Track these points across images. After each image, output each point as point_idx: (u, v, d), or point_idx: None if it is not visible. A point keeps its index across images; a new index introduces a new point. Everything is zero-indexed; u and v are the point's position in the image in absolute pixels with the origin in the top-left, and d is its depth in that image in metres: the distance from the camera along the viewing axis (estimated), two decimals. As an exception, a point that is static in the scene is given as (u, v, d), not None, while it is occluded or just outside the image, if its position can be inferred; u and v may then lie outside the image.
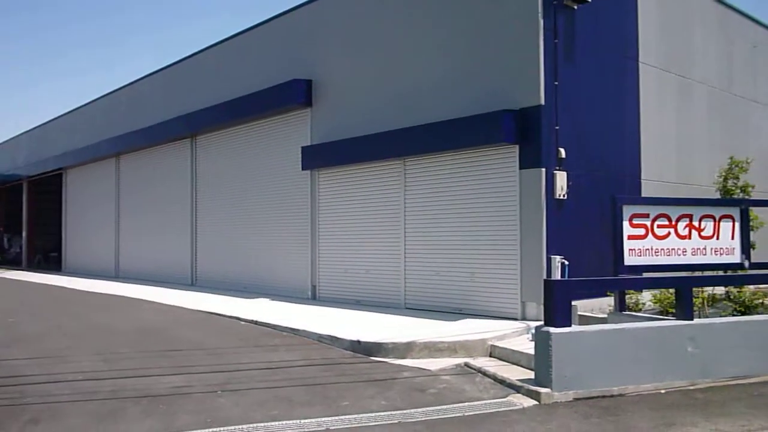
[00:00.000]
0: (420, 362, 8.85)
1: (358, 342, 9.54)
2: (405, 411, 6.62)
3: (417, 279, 12.97)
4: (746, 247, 9.92)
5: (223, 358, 9.14)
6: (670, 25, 13.96)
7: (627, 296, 9.74)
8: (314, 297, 15.27)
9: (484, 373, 8.25)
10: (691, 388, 7.65)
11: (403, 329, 10.39)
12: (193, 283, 19.81)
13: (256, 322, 12.01)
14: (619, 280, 9.00)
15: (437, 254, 12.58)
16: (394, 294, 13.38)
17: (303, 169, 15.43)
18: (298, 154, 15.49)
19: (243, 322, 12.28)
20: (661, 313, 9.48)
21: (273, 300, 15.18)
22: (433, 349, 9.19)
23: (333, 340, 10.00)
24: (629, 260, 9.06)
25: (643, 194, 12.62)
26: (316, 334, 10.44)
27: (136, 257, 23.18)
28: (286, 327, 11.20)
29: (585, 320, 10.21)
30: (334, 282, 14.86)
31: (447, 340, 9.34)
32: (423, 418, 6.41)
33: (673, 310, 8.84)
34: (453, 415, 6.53)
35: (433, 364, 8.76)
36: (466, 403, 6.92)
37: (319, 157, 15.07)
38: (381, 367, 8.66)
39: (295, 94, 15.39)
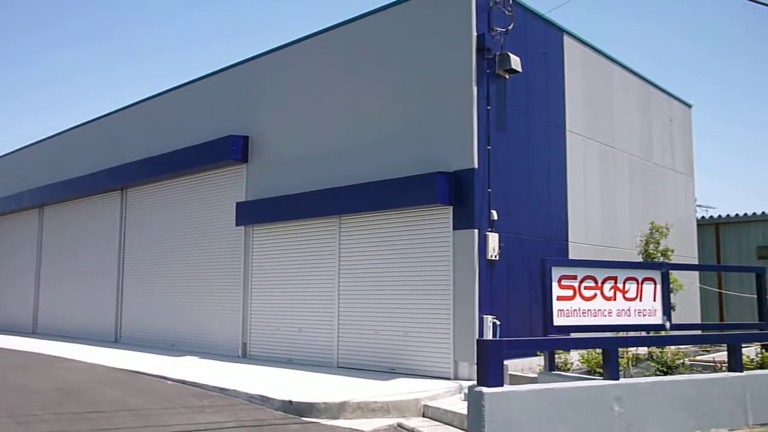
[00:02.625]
0: (353, 423, 8.74)
1: (290, 402, 9.35)
2: (339, 473, 6.51)
3: (350, 338, 12.89)
4: (667, 308, 10.33)
5: (148, 419, 8.78)
6: (595, 96, 14.74)
7: (556, 356, 9.93)
8: (245, 355, 14.93)
9: (418, 434, 8.22)
10: (619, 447, 7.81)
11: (335, 389, 10.26)
12: (117, 340, 19.06)
13: (183, 382, 11.61)
14: (549, 341, 9.19)
15: (371, 313, 12.58)
16: (326, 353, 13.24)
17: (237, 224, 15.30)
18: (233, 210, 15.38)
19: (170, 382, 11.85)
20: (588, 372, 9.69)
21: (202, 358, 14.74)
22: (366, 409, 9.09)
23: (264, 400, 9.77)
24: (558, 320, 9.27)
25: (571, 256, 13.03)
26: (246, 393, 10.18)
27: (57, 313, 22.17)
28: (215, 386, 10.88)
29: (516, 380, 10.33)
30: (265, 340, 14.60)
31: (380, 400, 9.27)
32: (357, 481, 6.31)
33: (600, 370, 9.07)
34: (387, 477, 6.46)
35: (366, 424, 8.67)
36: (400, 465, 6.85)
37: (253, 213, 14.99)
38: (313, 428, 8.51)
39: (231, 150, 15.37)
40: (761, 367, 10.36)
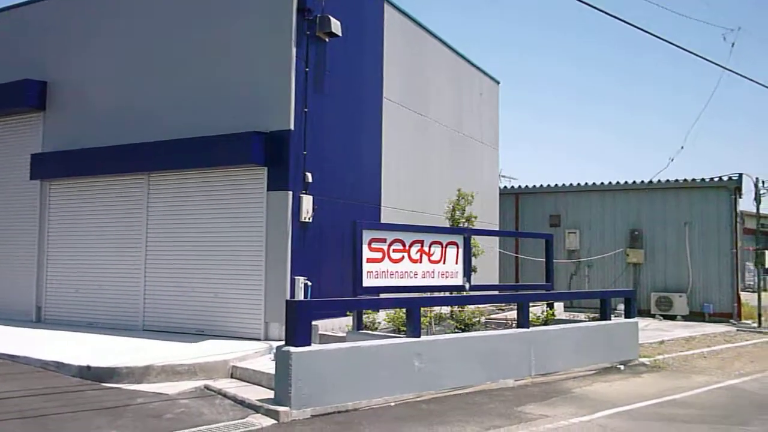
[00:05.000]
0: (157, 387, 8.49)
1: (88, 367, 8.85)
2: (137, 438, 6.31)
3: (158, 300, 12.42)
4: (468, 271, 11.10)
5: None
6: (412, 66, 15.21)
7: (365, 316, 10.29)
8: (39, 319, 13.86)
9: (224, 395, 8.16)
10: (418, 400, 8.32)
11: (140, 352, 9.87)
12: None
13: (-35, 349, 10.56)
14: (356, 301, 9.50)
15: (180, 274, 12.19)
16: (132, 315, 12.66)
17: (32, 178, 14.01)
18: (27, 162, 14.05)
19: (-52, 349, 10.72)
20: (394, 331, 10.16)
21: (-12, 323, 13.48)
22: (171, 372, 8.86)
23: (59, 367, 9.16)
24: (367, 282, 9.62)
25: (383, 220, 13.48)
26: (39, 360, 9.48)
27: None
28: (4, 353, 10.01)
29: (326, 339, 10.56)
30: (63, 303, 13.63)
31: (187, 362, 9.07)
32: (157, 445, 6.16)
33: (405, 329, 9.54)
34: (189, 440, 6.37)
35: (171, 388, 8.45)
36: (204, 427, 6.78)
37: (51, 166, 13.80)
38: (113, 393, 8.14)
39: (26, 96, 13.98)
40: (546, 323, 11.45)
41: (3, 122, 15.00)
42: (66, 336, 11.76)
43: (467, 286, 11.08)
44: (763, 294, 18.62)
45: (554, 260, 14.30)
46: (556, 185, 21.46)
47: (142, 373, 8.73)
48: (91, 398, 7.85)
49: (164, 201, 12.56)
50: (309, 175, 11.49)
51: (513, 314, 11.45)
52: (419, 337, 8.74)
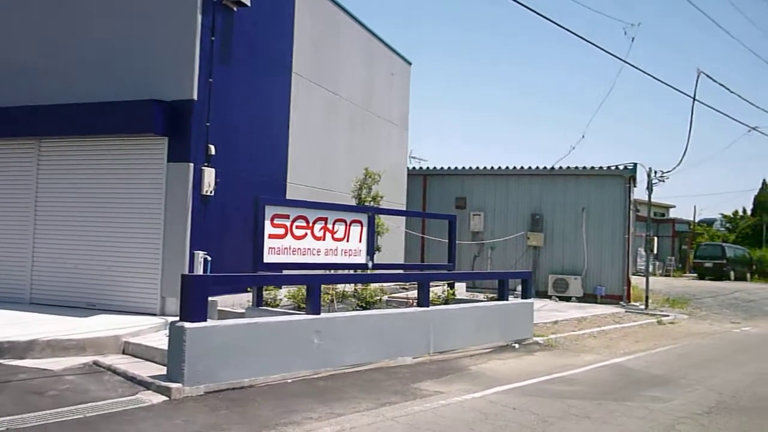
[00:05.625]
0: (42, 362, 8.10)
1: (-35, 342, 8.34)
2: (15, 417, 6.00)
3: (47, 272, 11.82)
4: (371, 249, 11.15)
5: None
6: (323, 42, 15.01)
7: (267, 292, 10.17)
8: None
9: (114, 371, 7.89)
10: (315, 377, 8.32)
11: (25, 326, 9.38)
12: None
13: None
14: (255, 276, 9.37)
15: (72, 245, 11.63)
16: (18, 287, 11.99)
17: None
18: None
19: None
20: (296, 308, 10.09)
21: None
22: (58, 347, 8.47)
23: (-68, 341, 8.58)
24: (268, 258, 9.50)
25: (288, 197, 13.30)
26: None
27: None
28: None
29: (224, 315, 10.37)
30: (-58, 274, 12.75)
31: (75, 337, 8.70)
32: (36, 423, 5.87)
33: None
34: (72, 417, 6.12)
35: (57, 364, 8.09)
36: (90, 404, 6.54)
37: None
38: (-8, 369, 7.71)
39: None
40: (446, 303, 11.67)
41: None
42: (-57, 309, 11.03)
43: (370, 264, 11.14)
44: (651, 278, 19.73)
45: (459, 242, 14.62)
46: (463, 168, 21.86)
47: (25, 348, 8.31)
48: (-34, 374, 7.41)
49: (56, 168, 11.91)
50: (212, 148, 11.17)
51: (415, 293, 11.60)
52: (319, 314, 8.71)
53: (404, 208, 19.40)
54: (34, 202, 12.01)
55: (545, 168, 20.75)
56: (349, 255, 10.85)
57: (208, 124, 11.11)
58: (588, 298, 19.48)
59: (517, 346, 11.46)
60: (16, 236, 12.11)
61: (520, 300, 12.62)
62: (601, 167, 20.12)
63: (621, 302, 19.25)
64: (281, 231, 9.71)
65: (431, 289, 10.74)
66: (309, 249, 10.16)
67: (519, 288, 13.90)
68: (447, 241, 13.03)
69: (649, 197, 20.37)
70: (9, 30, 12.49)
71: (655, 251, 24.42)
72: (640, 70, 16.29)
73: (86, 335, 8.83)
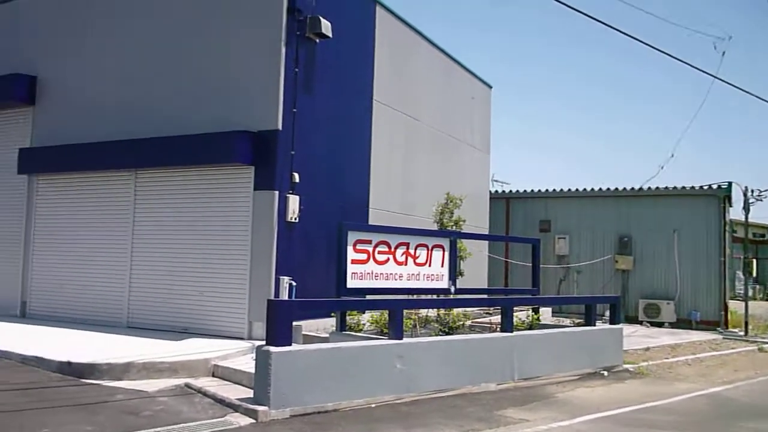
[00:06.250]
0: (137, 384, 8.46)
1: (69, 363, 8.82)
2: (112, 435, 6.29)
3: (143, 297, 12.38)
4: (453, 274, 11.09)
5: None
6: (402, 68, 15.22)
7: (350, 317, 10.28)
8: (24, 315, 13.79)
9: (204, 394, 8.15)
10: (398, 402, 8.32)
11: (122, 349, 9.84)
12: None
13: (-55, 343, 10.51)
14: (338, 302, 9.49)
15: (166, 272, 12.16)
16: (116, 312, 12.61)
17: (19, 172, 13.96)
18: (15, 156, 13.99)
19: (-71, 343, 10.67)
20: (379, 333, 10.15)
21: (-29, 318, 13.41)
22: (152, 369, 8.83)
23: (39, 362, 9.12)
24: (351, 283, 9.60)
25: (371, 222, 13.45)
26: (19, 355, 9.44)
27: None
28: (-17, 348, 9.97)
29: (309, 340, 10.56)
30: (48, 298, 13.57)
31: (168, 360, 9.05)
32: (131, 442, 6.14)
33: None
34: (165, 437, 6.35)
35: (151, 385, 8.43)
36: (181, 425, 6.77)
37: (39, 161, 13.75)
38: (92, 390, 8.11)
39: (16, 91, 13.93)
40: (530, 328, 11.46)
41: (-8, 116, 14.94)
42: (49, 331, 11.72)
43: (452, 289, 11.07)
44: (751, 303, 18.70)
45: (544, 265, 14.38)
46: (546, 190, 21.51)
47: (123, 370, 8.71)
48: (69, 394, 7.82)
49: (151, 198, 12.52)
50: (296, 175, 11.47)
51: (498, 319, 11.45)
52: (401, 339, 8.73)
53: (487, 232, 19.25)
54: (131, 230, 12.65)
55: (633, 189, 20.14)
56: (432, 280, 10.82)
57: (292, 152, 11.42)
58: (682, 323, 18.64)
59: (606, 373, 11.10)
60: (116, 263, 12.77)
61: (608, 326, 12.23)
62: (692, 187, 19.34)
63: (718, 328, 18.32)
64: (364, 256, 9.80)
65: (515, 314, 10.58)
66: (391, 274, 10.20)
67: (607, 313, 13.49)
68: (531, 265, 12.81)
69: (746, 217, 19.38)
70: (107, 71, 13.30)
71: (755, 274, 23.18)
72: (734, 86, 15.59)
73: (178, 358, 9.17)
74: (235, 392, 8.06)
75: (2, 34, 14.92)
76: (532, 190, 21.84)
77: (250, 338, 11.00)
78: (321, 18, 11.74)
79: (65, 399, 7.57)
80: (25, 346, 9.96)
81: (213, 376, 9.11)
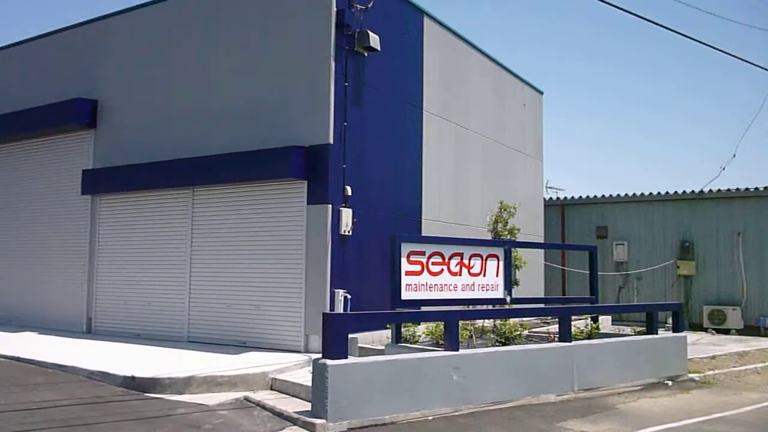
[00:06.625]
0: (198, 397, 8.63)
1: (132, 378, 9.06)
2: (175, 448, 6.41)
3: (202, 311, 12.64)
4: (508, 283, 10.96)
5: (-27, 399, 8.21)
6: (452, 78, 15.19)
7: (405, 328, 10.26)
8: (90, 330, 14.25)
9: (263, 407, 8.24)
10: (455, 414, 8.25)
11: (183, 363, 10.05)
12: (-55, 315, 17.55)
13: (17, 359, 10.94)
14: (393, 314, 9.48)
15: (223, 286, 12.39)
16: (177, 327, 12.91)
17: (83, 193, 14.49)
18: (78, 178, 14.52)
19: (2, 359, 11.12)
20: (434, 344, 10.10)
21: (42, 334, 13.91)
22: (212, 383, 8.99)
23: (104, 377, 9.40)
24: (406, 295, 9.59)
25: (424, 233, 13.44)
26: (85, 370, 9.75)
27: None
28: (53, 363, 10.34)
29: (365, 352, 10.58)
30: (112, 314, 13.99)
31: (227, 374, 9.20)
32: (193, 455, 6.25)
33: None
34: (225, 450, 6.44)
35: (211, 399, 8.59)
36: (241, 438, 6.86)
37: (101, 181, 14.24)
38: (155, 403, 8.31)
39: (78, 114, 14.48)
40: (590, 337, 11.23)
41: (56, 139, 15.55)
42: (113, 346, 12.07)
43: (508, 299, 10.94)
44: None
45: (602, 273, 14.06)
46: (603, 196, 21.07)
47: (184, 384, 8.89)
48: (133, 408, 8.03)
49: (208, 214, 12.80)
50: (348, 189, 11.56)
51: (556, 328, 11.26)
52: (457, 350, 8.67)
53: (542, 240, 19.00)
54: (189, 246, 12.95)
55: (693, 192, 19.56)
56: (486, 290, 10.71)
57: (344, 166, 11.52)
58: (749, 330, 17.95)
59: (669, 383, 10.78)
60: (175, 279, 13.08)
61: (671, 333, 11.88)
62: (757, 188, 18.66)
63: (789, 334, 17.58)
64: (417, 268, 9.79)
65: (573, 323, 10.38)
66: (445, 285, 10.15)
67: (670, 321, 13.10)
68: (588, 272, 12.57)
69: (817, 218, 18.57)
70: (165, 93, 13.69)
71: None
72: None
73: (237, 372, 9.31)
74: (293, 405, 8.13)
75: (66, 60, 15.53)
76: (588, 196, 21.44)
77: (306, 351, 11.10)
78: (369, 32, 11.84)
79: (130, 413, 7.77)
80: (91, 361, 10.29)
81: (271, 389, 9.22)
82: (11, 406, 7.89)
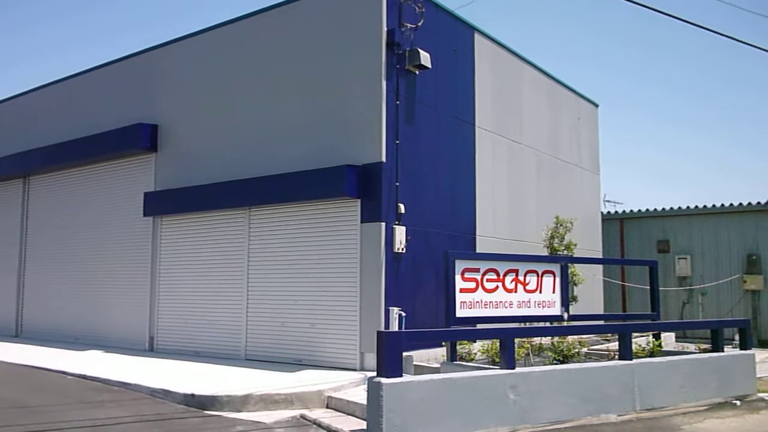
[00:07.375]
0: (255, 415, 8.73)
1: (192, 395, 9.24)
2: (233, 466, 6.50)
3: (258, 330, 12.82)
4: (565, 300, 10.77)
5: (43, 416, 8.50)
6: (504, 93, 15.12)
7: (460, 346, 10.18)
8: (152, 348, 14.62)
9: (319, 425, 8.28)
10: (512, 434, 8.12)
11: (241, 381, 10.20)
12: (18, 334, 18.28)
13: (84, 377, 11.29)
14: (448, 332, 9.43)
15: (279, 305, 12.55)
16: (234, 345, 13.12)
17: (145, 215, 14.93)
18: (140, 200, 14.99)
19: (69, 377, 11.50)
20: (490, 362, 9.98)
21: (106, 352, 14.34)
22: (269, 401, 9.09)
23: (166, 394, 9.61)
24: (460, 312, 9.54)
25: (478, 250, 13.34)
26: (148, 387, 9.99)
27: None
28: (117, 381, 10.63)
29: (420, 370, 10.54)
30: (173, 333, 14.33)
31: (284, 392, 9.29)
32: (251, 473, 6.31)
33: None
34: (282, 469, 6.49)
35: (268, 416, 8.67)
36: (298, 456, 6.90)
37: (162, 203, 14.66)
38: (214, 421, 8.44)
39: (140, 139, 14.98)
40: (652, 355, 10.91)
41: (119, 163, 16.10)
42: (174, 364, 12.34)
43: (565, 315, 10.75)
44: None
45: (664, 288, 13.67)
46: (663, 209, 20.54)
47: (242, 402, 9.01)
48: (193, 425, 8.18)
49: (263, 234, 13.02)
50: (401, 206, 11.59)
51: (616, 345, 10.99)
52: (514, 368, 8.55)
53: (600, 256, 18.61)
54: (246, 266, 13.17)
55: (759, 203, 18.87)
56: (543, 307, 10.56)
57: (397, 184, 11.57)
58: (824, 347, 17.15)
59: (738, 403, 10.36)
60: (233, 298, 13.32)
61: (738, 351, 11.44)
62: (827, 198, 17.91)
63: None
64: (472, 285, 9.72)
65: (635, 340, 10.11)
66: (501, 302, 10.05)
67: (737, 337, 12.63)
68: (649, 288, 12.24)
69: None
70: (224, 118, 14.04)
71: None
72: None
73: (293, 390, 9.39)
74: (348, 424, 8.15)
75: (127, 86, 16.11)
76: (648, 210, 20.93)
77: (362, 369, 11.12)
78: (419, 50, 11.91)
79: (189, 430, 7.92)
80: (153, 379, 10.55)
81: (327, 407, 9.26)
82: (79, 422, 8.14)
